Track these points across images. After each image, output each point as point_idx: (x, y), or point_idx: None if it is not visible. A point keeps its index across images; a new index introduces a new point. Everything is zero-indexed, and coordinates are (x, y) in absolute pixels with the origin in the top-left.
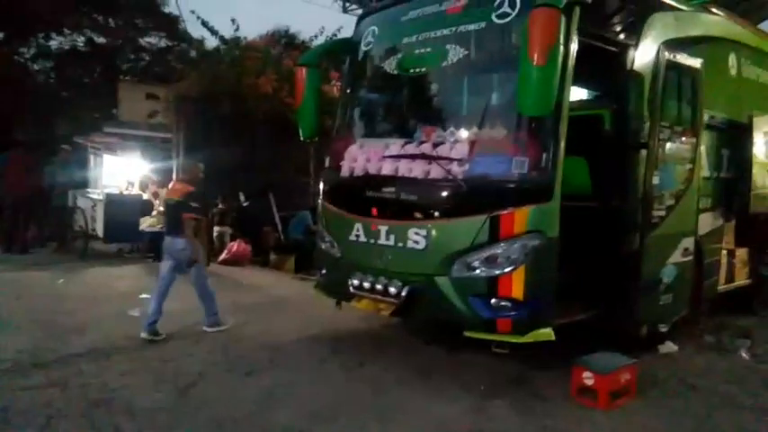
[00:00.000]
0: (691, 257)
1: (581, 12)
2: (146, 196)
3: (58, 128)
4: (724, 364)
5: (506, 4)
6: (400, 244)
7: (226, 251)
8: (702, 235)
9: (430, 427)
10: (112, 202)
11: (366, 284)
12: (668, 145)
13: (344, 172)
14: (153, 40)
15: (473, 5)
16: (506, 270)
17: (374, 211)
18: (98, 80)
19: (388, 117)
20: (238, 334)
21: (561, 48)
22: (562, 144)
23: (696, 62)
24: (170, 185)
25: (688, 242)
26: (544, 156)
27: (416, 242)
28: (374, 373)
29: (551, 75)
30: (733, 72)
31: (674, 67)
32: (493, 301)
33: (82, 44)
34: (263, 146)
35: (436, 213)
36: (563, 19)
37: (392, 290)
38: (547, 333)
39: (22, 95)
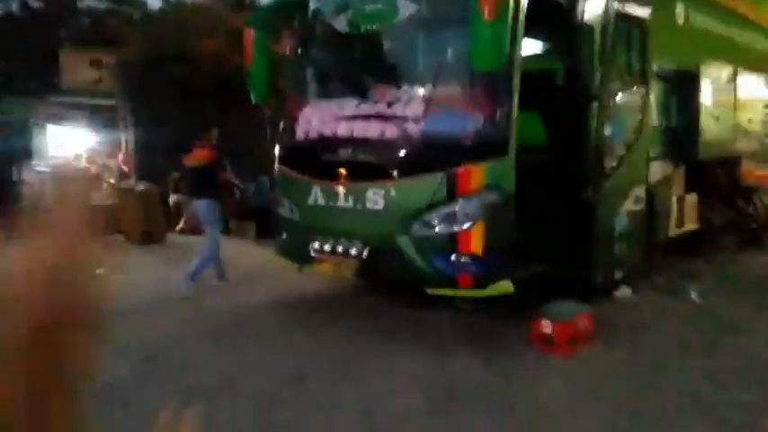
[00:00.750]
0: (642, 205)
1: None
2: (93, 169)
3: None
4: (676, 306)
5: None
6: (359, 206)
7: (183, 220)
8: (653, 183)
9: (399, 384)
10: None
11: (327, 247)
12: (619, 96)
13: (299, 135)
14: (93, 3)
15: None
16: (465, 226)
17: (331, 173)
18: (36, 48)
19: (342, 77)
20: (204, 303)
21: (511, 2)
22: (516, 99)
23: (644, 12)
24: (193, 152)
25: (639, 190)
26: (498, 111)
27: (375, 203)
28: (341, 336)
29: (502, 29)
30: (681, 21)
31: (622, 18)
32: (453, 257)
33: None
34: (218, 111)
35: (393, 173)
36: None
37: (353, 251)
38: (506, 286)
39: None
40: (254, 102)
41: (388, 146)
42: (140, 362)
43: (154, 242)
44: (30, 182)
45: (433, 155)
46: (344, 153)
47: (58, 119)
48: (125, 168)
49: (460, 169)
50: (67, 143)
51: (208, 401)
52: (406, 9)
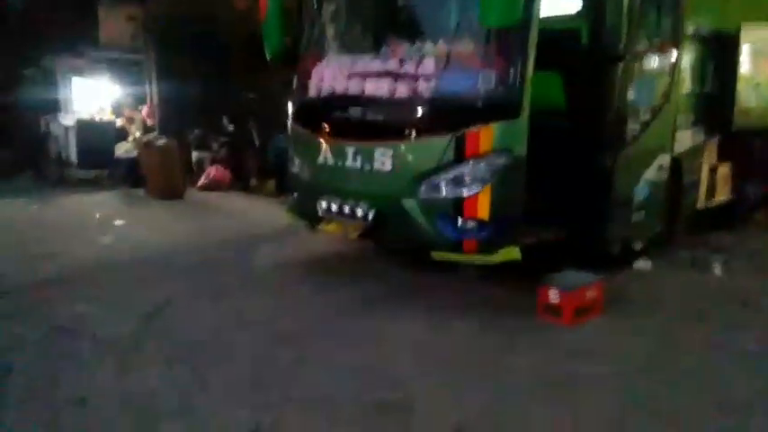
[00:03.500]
0: (666, 175)
1: None
2: (119, 122)
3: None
4: (696, 280)
5: None
6: (367, 166)
7: (204, 176)
8: (682, 152)
9: (393, 348)
10: (84, 128)
11: (334, 207)
12: (646, 58)
13: (311, 92)
14: None
15: None
16: (473, 190)
17: (341, 132)
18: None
19: (354, 33)
20: (209, 259)
21: None
22: (531, 58)
23: None
24: None
25: (663, 159)
26: (512, 70)
27: (383, 163)
28: (344, 296)
29: None
30: None
31: None
32: (459, 221)
33: None
34: (242, 68)
35: (402, 133)
36: None
37: (359, 212)
38: (513, 252)
39: None
40: (267, 58)
41: (397, 105)
42: (138, 318)
43: (173, 197)
44: (54, 133)
45: (443, 115)
46: (354, 111)
47: (82, 71)
48: (150, 122)
49: (470, 131)
50: (93, 96)
51: (200, 356)
52: None
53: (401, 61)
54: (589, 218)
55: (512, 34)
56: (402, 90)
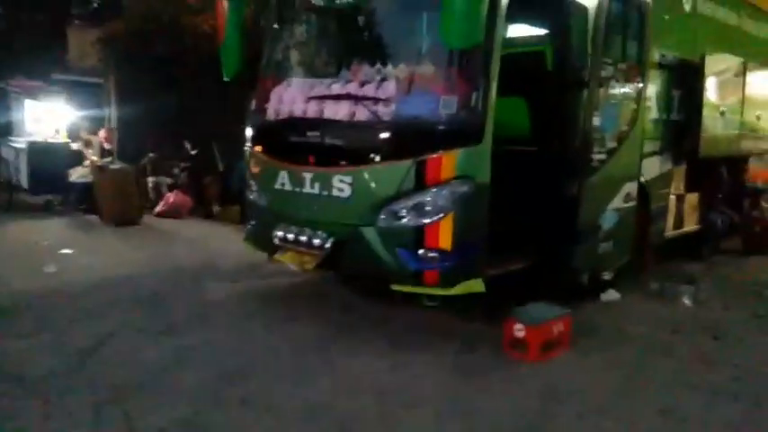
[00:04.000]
0: (633, 203)
1: None
2: (75, 146)
3: None
4: (665, 311)
5: None
6: (325, 192)
7: (162, 202)
8: (649, 179)
9: (345, 386)
10: (36, 151)
11: (290, 236)
12: (611, 84)
13: (269, 115)
14: None
15: None
16: (433, 219)
17: (298, 156)
18: (47, 25)
19: (315, 54)
20: (159, 290)
21: None
22: (494, 82)
23: None
24: None
25: (630, 187)
26: (474, 94)
27: (341, 190)
28: (299, 331)
29: (477, 3)
30: (687, 7)
31: None
32: (420, 251)
33: None
34: (205, 90)
35: (361, 159)
36: None
37: (316, 241)
38: (476, 284)
39: None
40: (225, 78)
41: (356, 129)
42: (74, 355)
43: (128, 224)
44: (5, 156)
45: (403, 140)
46: (313, 135)
47: (35, 93)
48: (107, 145)
49: (430, 156)
50: (48, 119)
51: (136, 399)
52: None
53: (360, 84)
54: (555, 247)
55: (473, 57)
56: (361, 114)
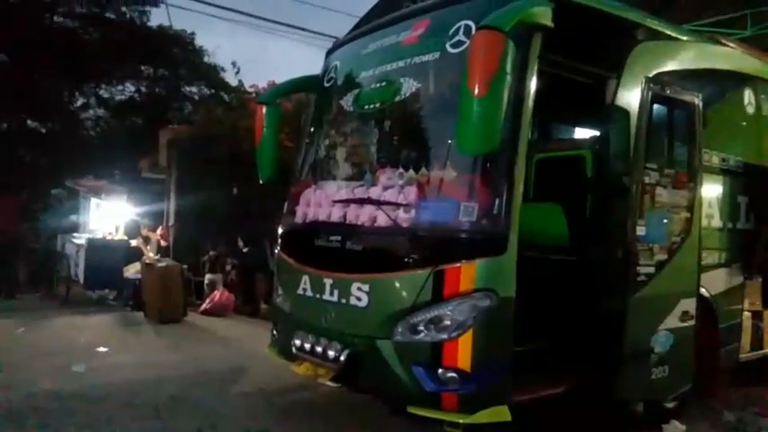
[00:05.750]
0: (692, 322)
1: (546, 38)
2: (134, 242)
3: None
4: None
5: (461, 31)
6: (343, 300)
7: (207, 300)
8: (716, 294)
9: None
10: (94, 247)
11: (307, 345)
12: (658, 190)
13: (297, 218)
14: (195, 89)
15: (429, 35)
16: (452, 335)
17: (320, 261)
18: (144, 128)
19: (343, 158)
20: (178, 396)
21: (508, 77)
22: (519, 188)
23: (692, 97)
24: None
25: (688, 304)
26: (496, 201)
27: (359, 299)
28: None
29: (494, 107)
30: (750, 110)
31: (664, 102)
32: (438, 371)
33: (132, 94)
34: (260, 189)
35: (379, 266)
36: (511, 45)
37: (331, 353)
38: (501, 412)
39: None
40: (261, 181)
41: (376, 235)
42: None
43: (172, 321)
44: (67, 252)
45: (422, 248)
46: (334, 240)
47: (99, 192)
48: (164, 242)
49: (449, 267)
50: (110, 216)
51: None
52: (408, 87)
53: (383, 189)
54: (596, 371)
55: (495, 162)
56: (381, 219)
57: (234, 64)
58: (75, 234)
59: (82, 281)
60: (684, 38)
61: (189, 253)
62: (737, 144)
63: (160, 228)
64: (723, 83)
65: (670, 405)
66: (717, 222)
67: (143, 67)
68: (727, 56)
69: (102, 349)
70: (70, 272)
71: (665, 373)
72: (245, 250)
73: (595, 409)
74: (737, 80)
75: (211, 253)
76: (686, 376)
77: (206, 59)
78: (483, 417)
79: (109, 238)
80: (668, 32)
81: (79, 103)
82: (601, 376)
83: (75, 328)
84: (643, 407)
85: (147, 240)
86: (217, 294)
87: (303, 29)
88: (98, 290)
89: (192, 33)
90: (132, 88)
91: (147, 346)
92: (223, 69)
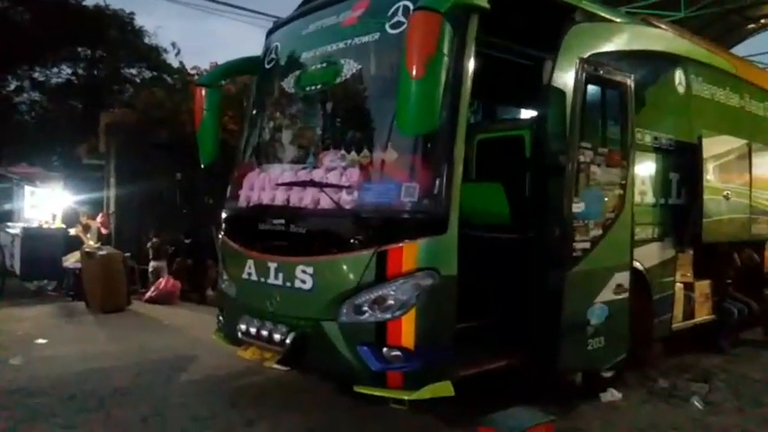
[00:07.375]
0: (626, 295)
1: (484, 20)
2: (73, 231)
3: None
4: (670, 415)
5: (400, 12)
6: (288, 283)
7: (153, 288)
8: (649, 267)
9: None
10: (29, 237)
11: (253, 330)
12: (593, 169)
13: (241, 202)
14: (135, 72)
15: (368, 15)
16: (395, 314)
17: (264, 245)
18: (84, 113)
19: (285, 141)
20: (122, 387)
21: (446, 58)
22: (458, 167)
23: (625, 78)
24: None
25: (622, 277)
26: (437, 181)
27: (303, 281)
28: None
29: (432, 88)
30: (681, 90)
31: (598, 83)
32: (383, 350)
33: (69, 76)
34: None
35: (323, 248)
36: (448, 26)
37: (277, 336)
38: (444, 387)
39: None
40: (201, 165)
41: (318, 217)
42: None
43: (115, 310)
44: (1, 243)
45: (364, 229)
46: (278, 223)
47: (33, 179)
48: (104, 230)
49: (391, 247)
50: (47, 205)
51: None
52: (349, 68)
53: (325, 171)
54: (536, 344)
55: (434, 143)
56: (323, 201)
57: (174, 45)
58: (9, 224)
59: (18, 272)
60: (619, 20)
61: (132, 240)
62: (669, 123)
63: (100, 215)
64: (656, 64)
65: (607, 374)
66: (650, 198)
67: (80, 49)
68: (660, 37)
69: (41, 341)
70: (5, 263)
71: (602, 344)
72: (186, 241)
73: (536, 383)
74: (669, 61)
75: (154, 240)
76: (622, 346)
77: (147, 41)
78: (427, 392)
79: (45, 226)
80: (603, 14)
81: (12, 86)
82: (541, 349)
83: (12, 320)
84: (582, 377)
85: (86, 228)
86: (162, 282)
87: (244, 8)
88: (36, 281)
89: (132, 13)
90: (69, 71)
91: (90, 336)
92: (165, 51)
